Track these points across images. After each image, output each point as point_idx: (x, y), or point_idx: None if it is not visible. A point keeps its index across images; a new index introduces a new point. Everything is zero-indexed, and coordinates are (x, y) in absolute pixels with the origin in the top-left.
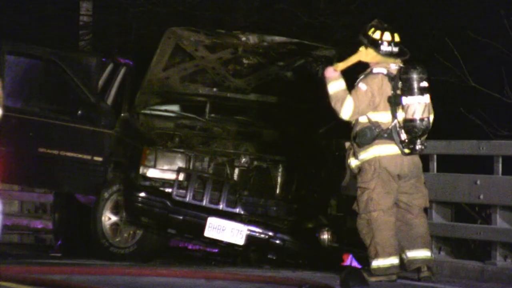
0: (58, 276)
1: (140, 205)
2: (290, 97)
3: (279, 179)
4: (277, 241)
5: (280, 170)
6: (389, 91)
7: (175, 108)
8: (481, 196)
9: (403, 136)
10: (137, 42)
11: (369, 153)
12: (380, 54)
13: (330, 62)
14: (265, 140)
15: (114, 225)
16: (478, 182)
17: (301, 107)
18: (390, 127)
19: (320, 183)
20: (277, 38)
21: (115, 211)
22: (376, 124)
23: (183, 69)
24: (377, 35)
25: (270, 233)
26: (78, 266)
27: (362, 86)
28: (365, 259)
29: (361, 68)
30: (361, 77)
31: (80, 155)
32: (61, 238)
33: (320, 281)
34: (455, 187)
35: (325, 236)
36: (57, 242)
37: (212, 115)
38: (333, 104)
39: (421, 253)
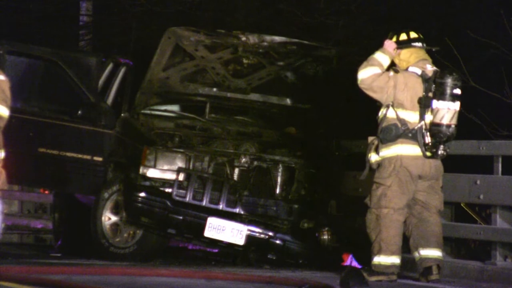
0: (58, 276)
1: (140, 205)
2: (290, 97)
3: (279, 179)
4: (277, 241)
5: (280, 170)
6: (420, 92)
7: (175, 108)
8: (481, 196)
9: (427, 139)
10: (137, 42)
11: (391, 151)
12: (415, 49)
13: (330, 62)
14: (265, 140)
15: (114, 225)
16: (478, 182)
17: (301, 107)
18: (416, 127)
19: (320, 183)
20: (277, 38)
21: (115, 211)
22: (402, 122)
23: (183, 69)
24: (404, 36)
25: (270, 233)
26: (78, 266)
27: (390, 72)
28: (365, 258)
29: None
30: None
31: (80, 155)
32: (61, 238)
33: (320, 281)
34: (455, 187)
35: (325, 236)
36: (57, 242)
37: (212, 115)
38: (364, 62)
39: (434, 253)
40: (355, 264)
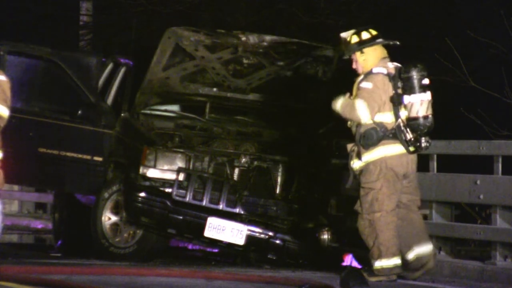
0: (58, 276)
1: (140, 205)
2: (290, 97)
3: (279, 179)
4: (277, 241)
5: (280, 170)
6: (390, 91)
7: (175, 108)
8: (481, 196)
9: (409, 135)
10: (137, 42)
11: (374, 154)
12: (379, 46)
13: (330, 62)
14: (265, 140)
15: (114, 225)
16: (478, 182)
17: (301, 107)
18: (394, 127)
19: (320, 183)
20: (277, 38)
21: (115, 211)
22: (380, 125)
23: (183, 69)
24: (366, 35)
25: (270, 233)
26: (78, 266)
27: (366, 84)
28: (365, 259)
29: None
30: (360, 78)
31: (80, 155)
32: (61, 238)
33: (320, 281)
34: (455, 187)
35: (325, 236)
36: (57, 242)
37: (212, 115)
38: (347, 114)
39: (428, 247)
40: (355, 264)
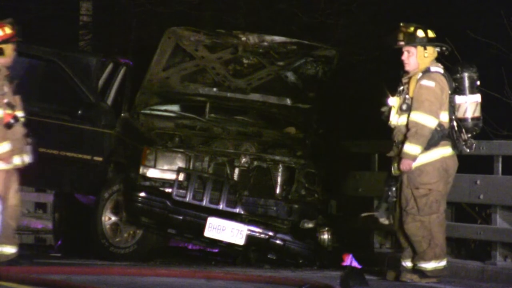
0: (58, 276)
1: (140, 205)
2: (290, 97)
3: (279, 179)
4: (277, 241)
5: (280, 170)
6: (447, 90)
7: (175, 108)
8: (481, 196)
9: (464, 135)
10: (137, 42)
11: (433, 154)
12: (436, 51)
13: (330, 62)
14: (265, 140)
15: (114, 225)
16: (478, 182)
17: (301, 107)
18: (448, 126)
19: (320, 183)
20: (277, 38)
21: (115, 211)
22: (439, 125)
23: (183, 69)
24: (431, 34)
25: (270, 233)
26: (78, 266)
27: (428, 83)
28: (365, 258)
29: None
30: (420, 76)
31: (80, 155)
32: (61, 238)
33: (320, 281)
34: (455, 187)
35: (325, 236)
36: (57, 242)
37: (212, 115)
38: (423, 139)
39: None
40: (355, 264)
